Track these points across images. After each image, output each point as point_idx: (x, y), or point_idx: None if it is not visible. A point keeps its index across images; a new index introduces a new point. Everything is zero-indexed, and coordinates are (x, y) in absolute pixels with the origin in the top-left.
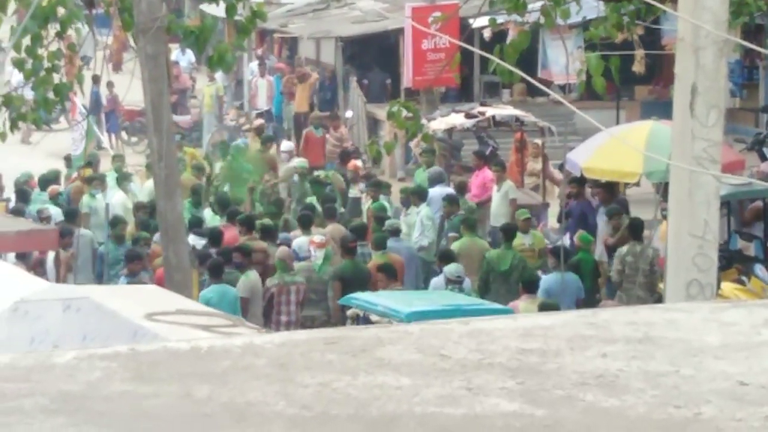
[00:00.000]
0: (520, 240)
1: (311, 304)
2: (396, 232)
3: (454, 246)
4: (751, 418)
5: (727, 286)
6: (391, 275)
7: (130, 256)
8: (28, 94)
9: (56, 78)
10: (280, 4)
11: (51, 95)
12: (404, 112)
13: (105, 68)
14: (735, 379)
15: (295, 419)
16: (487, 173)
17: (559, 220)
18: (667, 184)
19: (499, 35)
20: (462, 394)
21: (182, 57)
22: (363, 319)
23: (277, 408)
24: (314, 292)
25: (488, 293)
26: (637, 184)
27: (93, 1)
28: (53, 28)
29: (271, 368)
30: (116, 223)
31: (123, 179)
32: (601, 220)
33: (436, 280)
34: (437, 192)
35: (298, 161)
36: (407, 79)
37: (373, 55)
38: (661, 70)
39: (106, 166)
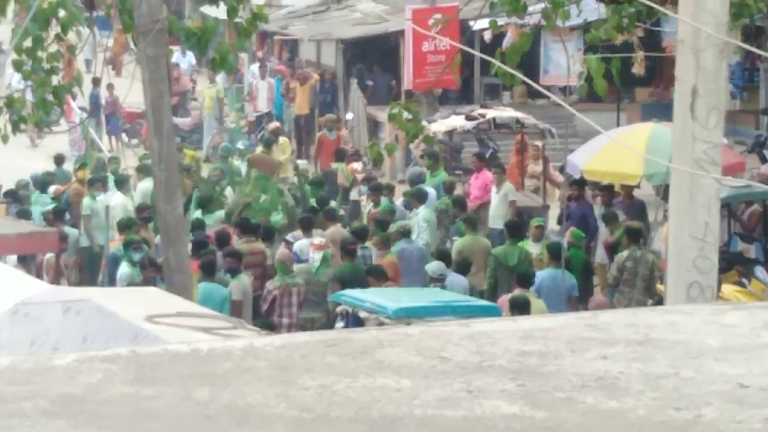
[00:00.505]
0: (530, 248)
1: (311, 306)
2: (407, 233)
3: (457, 244)
4: (752, 420)
5: (728, 289)
6: (380, 277)
7: (144, 263)
8: (29, 96)
9: (55, 80)
10: (280, 7)
11: (50, 97)
12: (405, 114)
13: (105, 70)
14: (735, 382)
15: (295, 421)
16: (487, 175)
17: (559, 222)
18: (667, 187)
19: (500, 37)
20: (462, 397)
21: (183, 59)
22: (351, 316)
23: (278, 410)
24: (314, 294)
25: (499, 290)
26: (638, 186)
27: (94, 3)
28: (54, 30)
29: (271, 370)
30: (129, 225)
31: (122, 182)
32: (602, 223)
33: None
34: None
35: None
36: (407, 81)
37: (373, 58)
38: (661, 72)
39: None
